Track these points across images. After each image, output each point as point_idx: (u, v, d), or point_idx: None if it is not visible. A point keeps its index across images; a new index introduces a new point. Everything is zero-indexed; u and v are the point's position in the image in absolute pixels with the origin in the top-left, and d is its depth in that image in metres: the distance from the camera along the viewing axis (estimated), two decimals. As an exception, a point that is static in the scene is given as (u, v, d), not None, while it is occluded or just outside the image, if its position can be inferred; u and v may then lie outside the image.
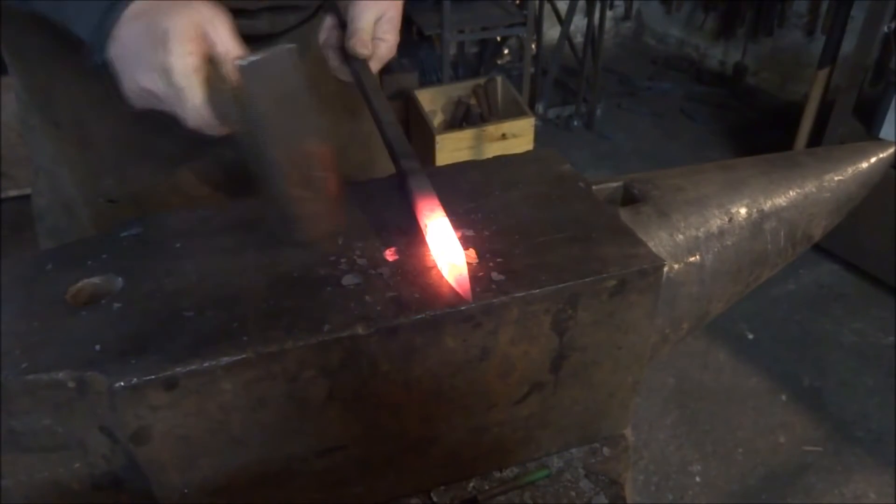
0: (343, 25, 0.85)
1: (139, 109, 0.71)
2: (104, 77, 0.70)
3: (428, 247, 0.70)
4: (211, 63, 0.68)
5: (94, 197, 0.95)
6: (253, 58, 0.62)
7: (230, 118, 0.68)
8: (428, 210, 0.70)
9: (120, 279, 0.68)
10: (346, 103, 1.04)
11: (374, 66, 0.85)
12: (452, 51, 3.95)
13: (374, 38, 0.83)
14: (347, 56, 0.84)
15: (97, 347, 0.59)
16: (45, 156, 0.97)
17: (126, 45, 0.68)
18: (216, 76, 0.68)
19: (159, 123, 0.71)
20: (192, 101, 0.67)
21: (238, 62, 0.62)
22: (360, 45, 0.82)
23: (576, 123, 4.03)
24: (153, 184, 0.94)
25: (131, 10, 0.68)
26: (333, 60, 0.87)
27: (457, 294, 0.65)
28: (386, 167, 0.85)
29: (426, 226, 0.70)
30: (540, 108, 3.95)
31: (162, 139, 0.89)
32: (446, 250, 0.67)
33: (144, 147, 0.92)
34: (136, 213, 0.91)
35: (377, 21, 0.83)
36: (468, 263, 0.68)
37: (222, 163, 0.94)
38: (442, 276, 0.67)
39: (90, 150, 0.93)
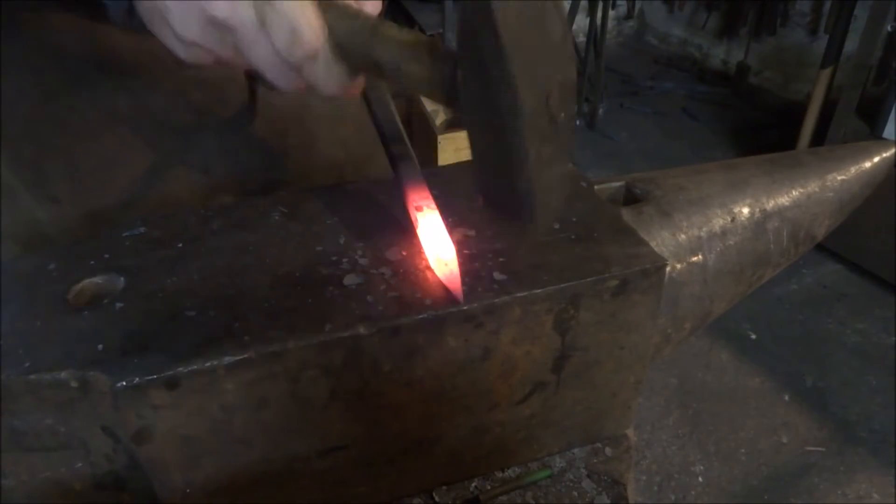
0: None
1: (194, 63, 0.52)
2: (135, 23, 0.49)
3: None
4: None
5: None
6: None
7: (364, 66, 0.49)
8: (417, 202, 0.68)
9: (122, 279, 0.68)
10: None
11: None
12: (454, 50, 3.94)
13: None
14: None
15: (100, 347, 0.59)
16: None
17: None
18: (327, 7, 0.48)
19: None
20: (305, 28, 0.45)
21: None
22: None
23: (578, 123, 4.03)
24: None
25: None
26: None
27: (448, 293, 0.64)
28: (383, 165, 0.78)
29: (416, 219, 0.69)
30: (542, 107, 3.95)
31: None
32: (436, 245, 0.66)
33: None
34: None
35: None
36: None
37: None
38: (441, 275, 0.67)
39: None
